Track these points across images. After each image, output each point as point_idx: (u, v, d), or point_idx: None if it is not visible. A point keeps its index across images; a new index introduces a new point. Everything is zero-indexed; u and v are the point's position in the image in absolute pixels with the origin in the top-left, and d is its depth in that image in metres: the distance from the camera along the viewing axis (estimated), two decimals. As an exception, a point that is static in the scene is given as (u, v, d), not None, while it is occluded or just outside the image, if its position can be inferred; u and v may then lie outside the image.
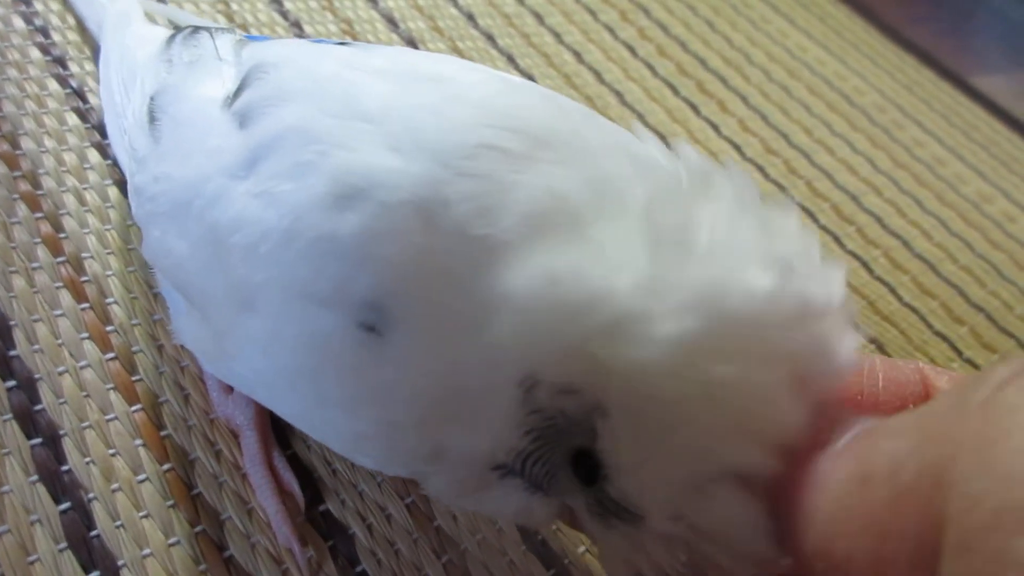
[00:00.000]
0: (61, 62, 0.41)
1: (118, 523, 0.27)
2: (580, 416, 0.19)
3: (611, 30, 0.62)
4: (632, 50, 0.61)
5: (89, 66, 0.42)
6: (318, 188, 0.21)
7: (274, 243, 0.21)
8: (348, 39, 0.50)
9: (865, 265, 0.50)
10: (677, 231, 0.18)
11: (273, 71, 0.25)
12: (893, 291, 0.49)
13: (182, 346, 0.32)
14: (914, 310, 0.49)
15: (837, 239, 0.51)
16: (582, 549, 0.31)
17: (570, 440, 0.19)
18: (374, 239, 0.20)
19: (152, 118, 0.29)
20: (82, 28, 0.43)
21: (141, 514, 0.28)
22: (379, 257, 0.20)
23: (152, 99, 0.29)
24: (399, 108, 0.21)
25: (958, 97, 0.71)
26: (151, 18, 0.41)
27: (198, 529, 0.28)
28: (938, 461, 0.13)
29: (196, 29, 0.32)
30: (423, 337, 0.20)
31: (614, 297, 0.17)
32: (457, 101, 0.22)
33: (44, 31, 0.43)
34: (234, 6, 0.50)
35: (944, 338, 0.48)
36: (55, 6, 0.44)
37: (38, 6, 0.44)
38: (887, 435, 0.15)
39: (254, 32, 0.48)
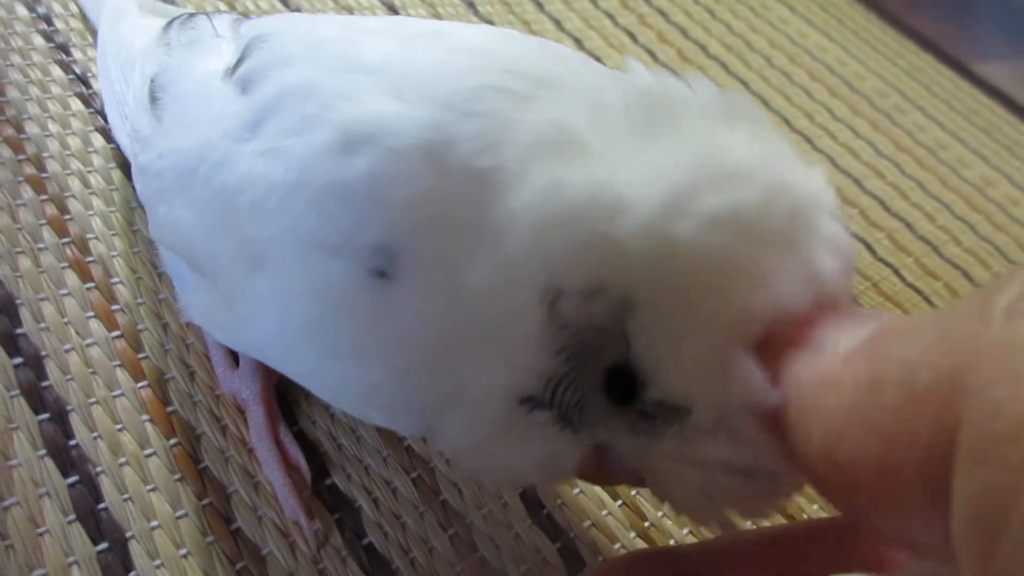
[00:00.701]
0: (64, 49, 0.42)
1: (126, 496, 0.27)
2: (609, 324, 0.18)
3: (611, 17, 0.62)
4: (633, 36, 0.61)
5: (92, 52, 0.42)
6: (324, 138, 0.21)
7: (282, 196, 0.21)
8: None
9: (868, 247, 0.50)
10: (679, 138, 0.18)
11: (272, 39, 0.25)
12: (896, 272, 0.49)
13: (188, 324, 0.32)
14: (917, 291, 0.49)
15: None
16: (588, 523, 0.31)
17: (601, 357, 0.19)
18: (382, 183, 0.20)
19: (153, 99, 0.29)
20: (85, 16, 0.44)
21: (148, 487, 0.28)
22: (388, 201, 0.20)
23: (152, 80, 0.29)
24: (399, 60, 0.22)
25: (959, 83, 0.71)
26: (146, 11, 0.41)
27: (205, 502, 0.28)
28: (956, 367, 0.13)
29: (192, 14, 0.32)
30: (433, 277, 0.20)
31: (626, 189, 0.18)
32: (457, 51, 0.22)
33: (47, 19, 0.43)
34: None
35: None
36: (58, -6, 0.44)
37: (41, -6, 0.44)
38: (902, 337, 0.14)
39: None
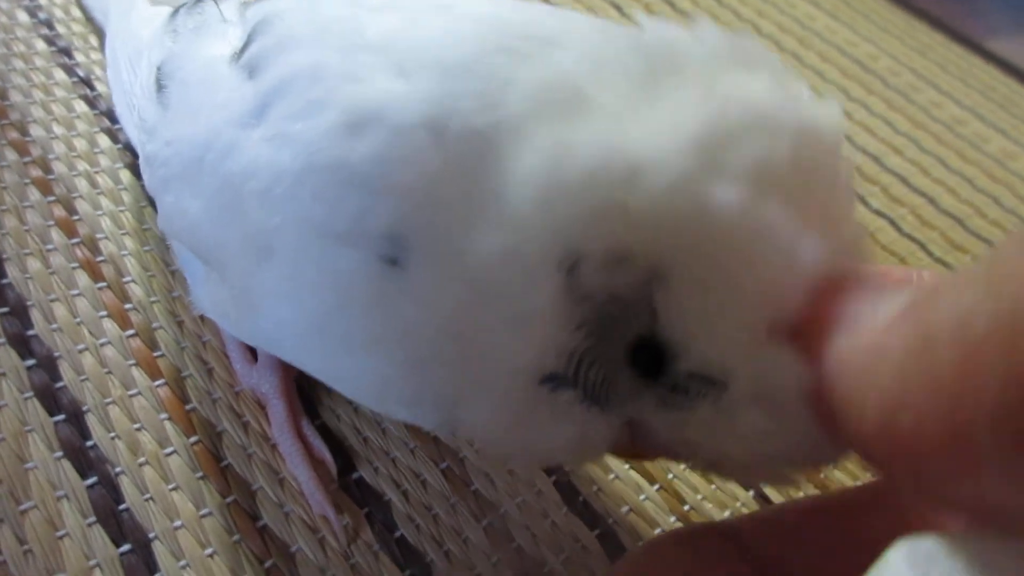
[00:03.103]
0: (67, 52, 0.41)
1: (147, 496, 0.26)
2: (634, 294, 0.17)
3: (618, 7, 0.61)
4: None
5: (95, 55, 0.41)
6: (329, 122, 0.20)
7: (289, 183, 0.20)
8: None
9: (892, 223, 0.49)
10: (690, 89, 0.17)
11: (278, 21, 0.24)
12: (923, 247, 0.48)
13: (203, 319, 0.31)
14: (946, 265, 0.48)
15: (862, 199, 0.50)
16: (626, 509, 0.30)
17: (626, 329, 0.18)
18: (388, 165, 0.19)
19: (160, 86, 0.28)
20: (87, 19, 0.43)
21: (170, 486, 0.27)
22: (395, 184, 0.19)
23: (159, 68, 0.29)
24: (404, 35, 0.21)
25: (971, 59, 0.70)
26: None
27: (229, 500, 0.27)
28: (1013, 307, 0.12)
29: (199, 0, 0.31)
30: (443, 260, 0.19)
31: (642, 150, 0.17)
32: (462, 20, 0.21)
33: (48, 23, 0.42)
34: None
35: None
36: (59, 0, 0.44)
37: (42, 1, 0.43)
38: (947, 292, 0.13)
39: None
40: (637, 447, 0.20)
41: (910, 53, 0.67)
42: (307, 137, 0.20)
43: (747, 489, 0.32)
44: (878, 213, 0.50)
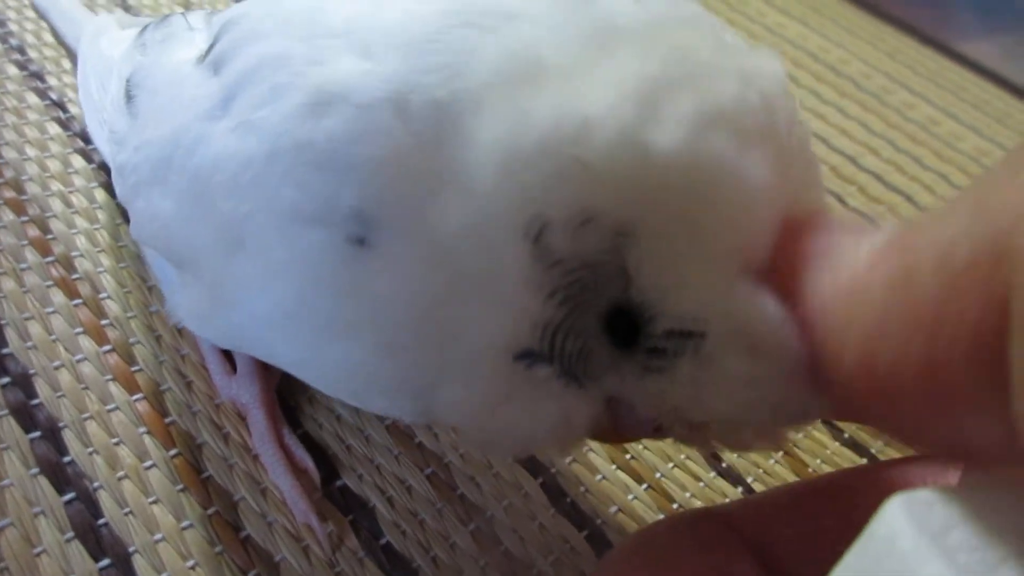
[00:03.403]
0: (39, 76, 0.41)
1: (126, 510, 0.26)
2: (605, 256, 0.17)
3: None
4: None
5: (68, 79, 0.41)
6: (294, 104, 0.20)
7: (256, 170, 0.20)
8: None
9: (871, 221, 0.49)
10: (633, 48, 0.17)
11: (243, 19, 0.24)
12: (902, 243, 0.48)
13: (181, 333, 0.31)
14: (926, 260, 0.48)
15: (839, 198, 0.51)
16: (614, 509, 0.30)
17: (600, 296, 0.18)
18: (353, 143, 0.19)
19: (129, 97, 0.28)
20: (58, 44, 0.43)
21: (150, 500, 0.26)
22: (360, 162, 0.19)
23: (128, 80, 0.29)
24: (366, 18, 0.21)
25: (942, 61, 0.71)
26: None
27: (211, 511, 0.26)
28: (996, 234, 0.11)
29: (167, 15, 0.32)
30: (410, 237, 0.18)
31: (590, 107, 0.17)
32: (425, 2, 0.21)
33: (20, 49, 0.42)
34: None
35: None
36: (30, 25, 0.44)
37: (13, 27, 0.43)
38: (932, 225, 0.13)
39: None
40: (618, 428, 0.20)
41: (881, 56, 0.68)
42: (272, 121, 0.20)
43: (736, 486, 0.32)
44: (856, 211, 0.50)
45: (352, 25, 0.21)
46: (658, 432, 0.20)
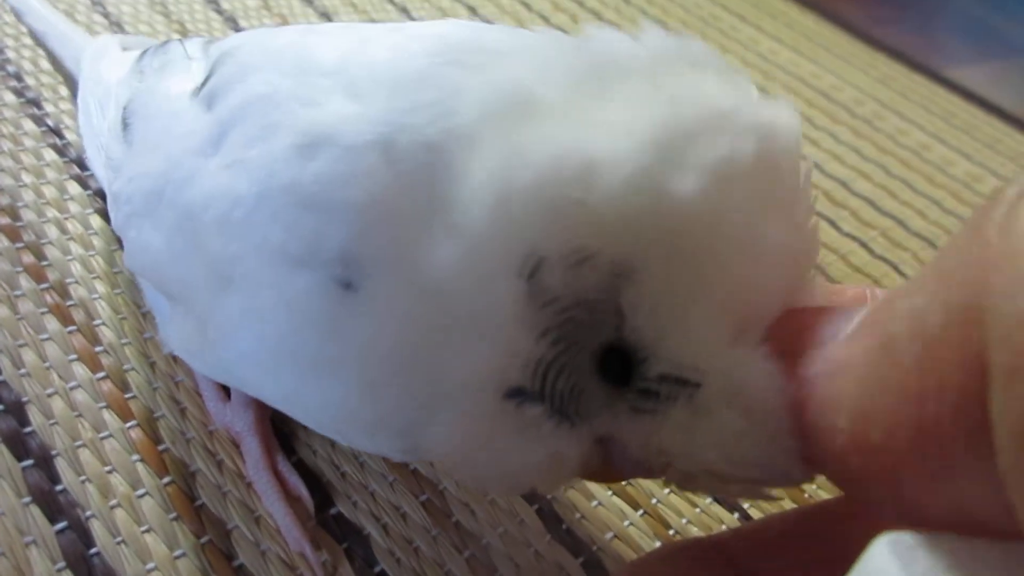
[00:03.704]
0: (36, 103, 0.41)
1: (118, 539, 0.25)
2: (600, 295, 0.17)
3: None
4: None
5: (64, 105, 0.41)
6: (284, 145, 0.20)
7: (246, 209, 0.20)
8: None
9: (864, 246, 0.50)
10: (638, 89, 0.17)
11: (237, 52, 0.24)
12: (896, 268, 0.49)
13: (175, 360, 0.31)
14: (919, 285, 0.48)
15: (833, 223, 0.51)
16: (610, 535, 0.30)
17: (593, 335, 0.18)
18: (340, 185, 0.19)
19: (125, 124, 0.28)
20: (56, 71, 0.43)
21: (143, 529, 0.26)
22: (346, 204, 0.19)
23: (125, 108, 0.29)
24: (356, 57, 0.21)
25: (933, 88, 0.71)
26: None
27: (204, 540, 0.26)
28: (966, 296, 0.12)
29: (166, 41, 0.32)
30: (398, 278, 0.18)
31: (596, 148, 0.17)
32: (412, 39, 0.21)
33: (17, 76, 0.42)
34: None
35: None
36: (27, 52, 0.44)
37: (10, 54, 0.44)
38: (902, 296, 0.13)
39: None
40: (609, 467, 0.20)
41: (872, 83, 0.69)
42: (262, 162, 0.20)
43: (732, 512, 0.32)
44: (850, 236, 0.50)
45: (341, 64, 0.21)
46: (650, 474, 0.19)
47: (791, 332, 0.16)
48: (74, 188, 0.37)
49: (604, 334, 0.18)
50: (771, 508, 0.32)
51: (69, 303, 0.32)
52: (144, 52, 0.31)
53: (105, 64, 0.35)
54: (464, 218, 0.17)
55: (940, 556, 0.12)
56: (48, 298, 0.32)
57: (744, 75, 0.18)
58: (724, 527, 0.31)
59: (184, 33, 0.50)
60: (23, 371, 0.29)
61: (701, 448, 0.17)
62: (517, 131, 0.17)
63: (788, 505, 0.33)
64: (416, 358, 0.19)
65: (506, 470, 0.19)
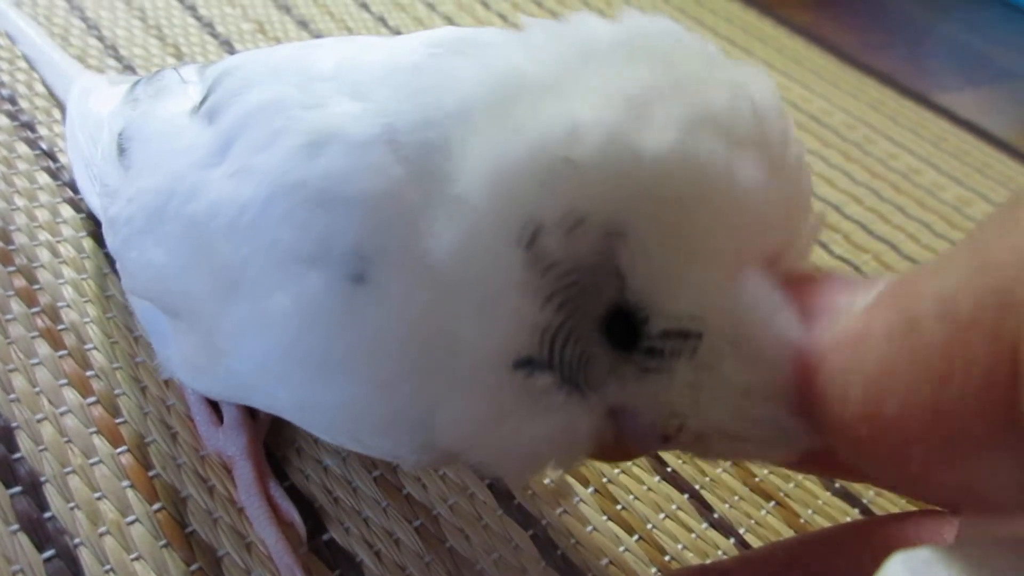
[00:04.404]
0: (30, 127, 0.41)
1: (107, 567, 0.25)
2: (599, 259, 0.17)
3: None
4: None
5: (58, 128, 0.41)
6: (290, 147, 0.20)
7: (255, 212, 0.20)
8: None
9: (856, 269, 0.50)
10: (618, 62, 0.18)
11: (236, 70, 0.25)
12: (888, 291, 0.49)
13: (167, 384, 0.31)
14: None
15: (825, 246, 0.51)
16: (604, 561, 0.29)
17: (596, 298, 0.18)
18: (347, 180, 0.19)
19: (121, 150, 0.28)
20: (50, 94, 0.43)
21: (132, 556, 0.26)
22: (355, 199, 0.19)
23: (120, 134, 0.29)
24: (355, 61, 0.22)
25: (922, 113, 0.72)
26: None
27: (194, 567, 0.26)
28: (1000, 283, 0.12)
29: (158, 71, 0.32)
30: (408, 266, 0.18)
31: (580, 112, 0.17)
32: (409, 40, 0.22)
33: (11, 99, 0.42)
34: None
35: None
36: (21, 76, 0.44)
37: (4, 77, 0.44)
38: (930, 274, 0.13)
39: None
40: (622, 441, 0.20)
41: (863, 108, 0.69)
42: (269, 165, 0.21)
43: (728, 537, 0.31)
44: (842, 259, 0.50)
45: (341, 68, 0.21)
46: (664, 443, 0.19)
47: (800, 300, 0.16)
48: (67, 211, 0.37)
49: (607, 297, 0.18)
50: (767, 532, 0.32)
51: (60, 327, 0.32)
52: (136, 82, 0.31)
53: (94, 99, 0.35)
54: (463, 196, 0.18)
55: (956, 570, 0.12)
56: (39, 322, 0.32)
57: (717, 47, 0.19)
58: (720, 553, 0.31)
59: (179, 56, 0.50)
60: (12, 396, 0.29)
61: (709, 404, 0.17)
62: (510, 109, 0.18)
63: (783, 528, 0.33)
64: (428, 344, 0.19)
65: (520, 445, 0.19)
